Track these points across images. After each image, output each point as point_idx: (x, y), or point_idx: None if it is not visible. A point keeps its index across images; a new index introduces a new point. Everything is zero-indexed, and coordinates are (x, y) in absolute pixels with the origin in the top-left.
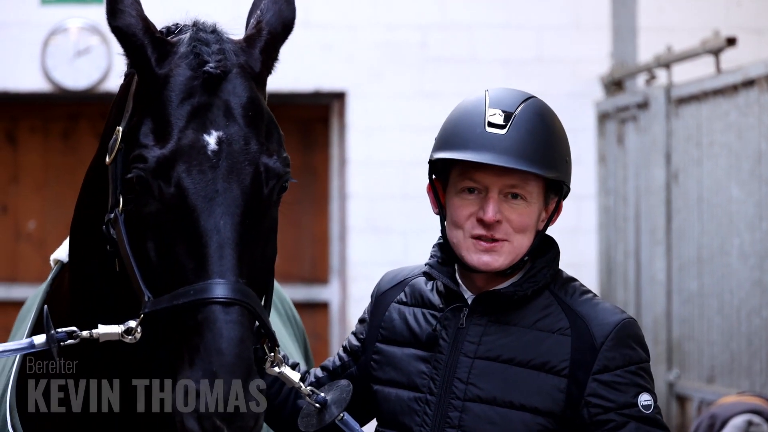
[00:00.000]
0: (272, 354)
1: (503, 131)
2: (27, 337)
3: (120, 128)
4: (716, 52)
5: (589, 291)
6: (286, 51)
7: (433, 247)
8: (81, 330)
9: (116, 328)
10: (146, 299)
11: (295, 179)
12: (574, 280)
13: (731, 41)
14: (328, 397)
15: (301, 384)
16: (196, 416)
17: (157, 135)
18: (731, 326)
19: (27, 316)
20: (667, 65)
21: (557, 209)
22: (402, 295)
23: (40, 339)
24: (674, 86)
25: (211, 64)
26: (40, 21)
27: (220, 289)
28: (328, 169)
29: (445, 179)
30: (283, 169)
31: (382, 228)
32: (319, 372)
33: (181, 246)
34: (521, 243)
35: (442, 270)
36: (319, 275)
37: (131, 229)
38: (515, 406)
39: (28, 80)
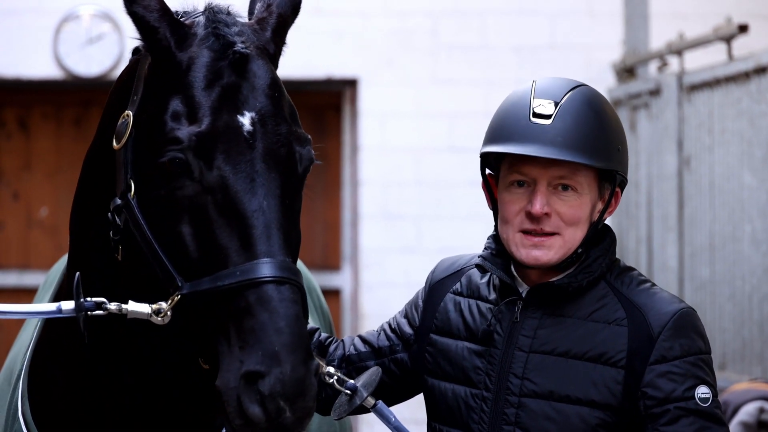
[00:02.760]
0: None
1: (548, 121)
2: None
3: (130, 112)
4: (728, 39)
5: (647, 280)
6: (298, 38)
7: (488, 238)
8: (110, 302)
9: (146, 307)
10: (179, 284)
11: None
12: (631, 269)
13: (743, 28)
14: (357, 383)
15: (330, 369)
16: (258, 398)
17: (189, 117)
18: (743, 313)
19: (50, 286)
20: (679, 52)
21: (612, 199)
22: (458, 285)
23: (68, 305)
24: (686, 73)
25: (239, 45)
26: (53, 8)
27: (270, 268)
28: (340, 156)
29: (498, 173)
30: (311, 151)
31: (394, 214)
32: (359, 344)
33: (221, 228)
34: (573, 236)
35: (495, 262)
36: (331, 262)
37: (153, 214)
38: (572, 400)
39: (41, 67)
